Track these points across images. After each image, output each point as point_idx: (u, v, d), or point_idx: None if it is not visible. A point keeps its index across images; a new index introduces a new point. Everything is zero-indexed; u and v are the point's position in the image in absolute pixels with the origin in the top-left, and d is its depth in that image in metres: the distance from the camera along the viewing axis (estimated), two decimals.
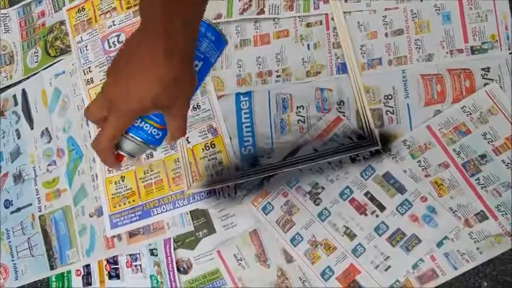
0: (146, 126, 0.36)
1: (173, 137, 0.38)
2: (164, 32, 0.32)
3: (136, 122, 0.36)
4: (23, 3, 0.86)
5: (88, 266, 0.74)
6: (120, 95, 0.34)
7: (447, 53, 0.58)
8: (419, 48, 0.59)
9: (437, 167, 0.57)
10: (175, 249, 0.68)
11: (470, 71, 0.57)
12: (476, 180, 0.55)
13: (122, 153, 0.37)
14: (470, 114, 0.56)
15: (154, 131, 0.36)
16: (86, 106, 0.36)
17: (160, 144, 0.38)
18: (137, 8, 0.75)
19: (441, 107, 0.58)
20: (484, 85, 0.56)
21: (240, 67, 0.67)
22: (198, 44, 0.38)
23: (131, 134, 0.36)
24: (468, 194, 0.55)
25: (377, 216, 0.58)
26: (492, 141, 0.55)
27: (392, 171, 0.58)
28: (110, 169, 0.71)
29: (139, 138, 0.36)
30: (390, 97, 0.60)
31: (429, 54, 0.59)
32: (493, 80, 0.55)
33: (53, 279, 0.76)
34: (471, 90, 0.56)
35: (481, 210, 0.55)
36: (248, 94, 0.66)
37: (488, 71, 0.56)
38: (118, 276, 0.72)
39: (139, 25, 0.34)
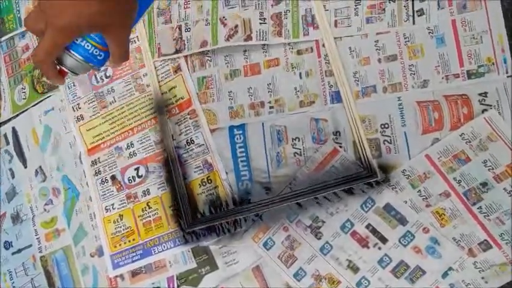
0: (88, 46, 0.37)
1: (115, 60, 0.38)
2: None
3: (77, 40, 0.36)
4: (6, 37, 0.83)
5: None
6: (55, 9, 0.33)
7: (443, 78, 0.55)
8: (414, 74, 0.57)
9: (438, 196, 0.55)
10: (178, 286, 0.67)
11: (468, 96, 0.54)
12: (478, 208, 0.54)
13: (63, 68, 0.38)
14: (469, 141, 0.54)
15: (96, 52, 0.37)
16: (27, 14, 0.37)
17: (103, 64, 0.39)
18: None
19: (439, 134, 0.55)
20: (482, 111, 0.53)
21: (232, 99, 0.65)
22: None
23: (72, 51, 0.37)
24: (471, 223, 0.54)
25: (379, 248, 0.57)
26: (493, 169, 0.53)
27: (392, 203, 0.56)
28: (120, 195, 0.69)
29: (79, 56, 0.37)
30: (386, 126, 0.57)
31: (425, 80, 0.56)
32: (491, 105, 0.53)
33: None
34: (469, 117, 0.54)
35: (485, 239, 0.54)
36: (242, 127, 0.64)
37: (486, 96, 0.54)
38: None
39: None
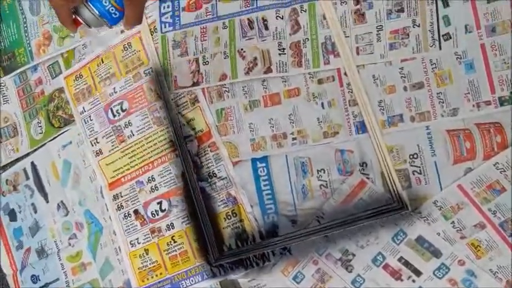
0: (106, 2, 0.39)
1: (128, 21, 0.40)
2: None
3: None
4: (18, 71, 0.80)
5: None
6: None
7: (473, 106, 0.52)
8: (443, 103, 0.54)
9: (473, 227, 0.53)
10: None
11: (500, 124, 0.51)
12: None
13: (79, 18, 0.40)
14: (504, 171, 0.51)
15: (112, 9, 0.39)
16: None
17: (116, 24, 0.41)
18: (135, 71, 0.69)
19: (472, 164, 0.53)
20: None
21: (253, 130, 0.62)
22: None
23: (90, 4, 0.39)
24: (507, 254, 0.51)
25: (413, 281, 0.54)
26: None
27: (424, 235, 0.54)
28: (144, 230, 0.67)
29: (95, 10, 0.39)
30: (415, 156, 0.55)
31: (454, 109, 0.53)
32: None
33: None
34: (503, 146, 0.51)
35: None
36: (264, 159, 0.61)
37: None
38: None
39: None
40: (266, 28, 0.61)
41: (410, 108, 0.55)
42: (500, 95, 0.52)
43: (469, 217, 0.52)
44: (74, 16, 0.40)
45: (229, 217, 0.64)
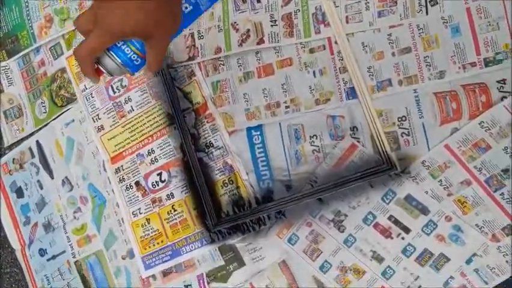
0: (128, 50, 0.37)
1: (150, 67, 0.39)
2: None
3: (119, 43, 0.37)
4: (22, 53, 0.81)
5: None
6: (105, 13, 0.34)
7: (459, 68, 0.53)
8: (430, 66, 0.54)
9: (459, 185, 0.53)
10: (208, 283, 0.67)
11: (486, 84, 0.52)
12: (500, 195, 0.52)
13: (101, 68, 0.39)
14: (489, 129, 0.52)
15: (134, 57, 0.38)
16: (77, 16, 0.38)
17: (137, 71, 0.40)
18: None
19: (458, 124, 0.53)
20: (502, 99, 0.51)
21: (247, 101, 0.63)
22: None
23: (112, 53, 0.38)
24: (493, 209, 0.52)
25: (402, 238, 0.56)
26: None
27: (413, 193, 0.55)
28: (145, 200, 0.69)
29: (118, 59, 0.38)
30: (404, 119, 0.55)
31: (441, 71, 0.54)
32: (510, 92, 0.51)
33: None
34: (488, 105, 0.52)
35: (508, 224, 0.52)
36: (259, 128, 0.62)
37: (504, 83, 0.51)
38: None
39: None
40: (258, 1, 0.62)
41: (398, 73, 0.55)
42: (485, 56, 0.52)
43: (455, 175, 0.53)
44: (96, 66, 0.39)
45: (225, 185, 0.65)
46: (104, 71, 0.39)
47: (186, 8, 0.39)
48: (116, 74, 0.39)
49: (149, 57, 0.37)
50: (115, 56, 0.37)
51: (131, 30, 0.34)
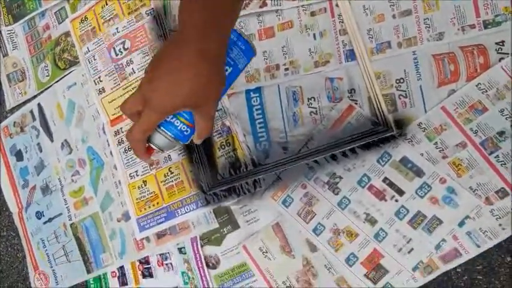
0: (177, 123, 0.39)
1: (200, 135, 0.40)
2: (199, 36, 0.35)
3: (168, 118, 0.38)
4: (27, 17, 0.85)
5: (122, 267, 0.77)
6: (154, 92, 0.36)
7: (458, 29, 0.55)
8: (429, 28, 0.56)
9: (455, 147, 0.56)
10: (202, 246, 0.70)
11: (484, 46, 0.54)
12: (495, 157, 0.54)
13: (153, 146, 0.40)
14: (486, 91, 0.54)
15: (184, 128, 0.39)
16: (123, 100, 0.39)
17: (188, 141, 0.41)
18: (137, 12, 0.74)
19: (455, 86, 0.55)
20: (499, 60, 0.53)
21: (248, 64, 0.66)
22: (228, 51, 0.41)
23: (163, 129, 0.39)
24: (487, 172, 0.54)
25: (396, 201, 0.58)
26: (510, 117, 0.53)
27: (408, 156, 0.57)
28: (142, 162, 0.71)
29: (169, 134, 0.39)
30: (402, 81, 0.58)
31: (440, 33, 0.56)
32: (508, 54, 0.53)
33: (91, 281, 0.80)
34: (486, 67, 0.54)
35: (502, 187, 0.54)
36: (258, 90, 0.65)
37: (503, 45, 0.53)
38: (151, 275, 0.74)
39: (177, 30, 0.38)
40: None
41: (398, 35, 0.58)
42: (484, 19, 0.54)
43: (451, 137, 0.55)
44: (147, 144, 0.40)
45: (223, 147, 0.68)
46: (155, 148, 0.40)
47: (226, 70, 0.41)
48: (167, 149, 0.41)
49: (199, 125, 0.39)
50: (166, 131, 0.39)
51: (183, 103, 0.36)
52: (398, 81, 0.58)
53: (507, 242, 0.54)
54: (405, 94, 0.57)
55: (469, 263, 0.55)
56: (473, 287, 0.55)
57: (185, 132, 0.39)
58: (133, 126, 0.38)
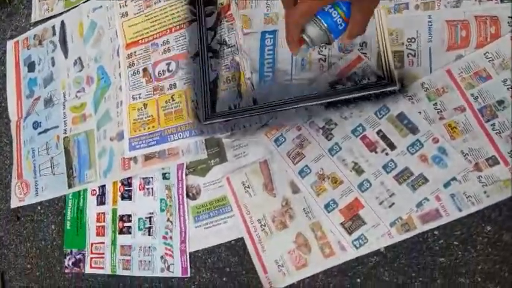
0: (334, 14, 0.41)
1: (352, 31, 0.42)
2: None
3: (326, 8, 0.41)
4: None
5: (103, 186, 0.82)
6: None
7: (476, 0, 0.61)
8: None
9: (453, 110, 0.60)
10: (186, 175, 0.74)
11: (497, 17, 0.59)
12: (491, 125, 0.58)
13: (304, 37, 0.44)
14: (492, 60, 0.59)
15: (339, 21, 0.41)
16: None
17: (338, 37, 0.43)
18: None
19: (463, 52, 0.60)
20: (510, 31, 0.58)
21: (268, 7, 0.72)
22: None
23: (319, 17, 0.42)
24: (481, 138, 0.58)
25: (386, 154, 0.61)
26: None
27: (406, 112, 0.61)
28: (148, 86, 0.77)
29: (324, 23, 0.42)
30: (413, 40, 0.63)
31: (458, 1, 0.62)
32: None
33: (70, 196, 0.84)
34: (496, 37, 0.59)
35: (493, 155, 0.57)
36: (273, 32, 0.71)
37: None
38: (130, 198, 0.79)
39: None
40: None
41: None
42: None
43: (451, 100, 0.59)
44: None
45: (228, 81, 0.73)
46: (306, 39, 0.44)
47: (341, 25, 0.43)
48: (316, 42, 0.44)
49: (354, 19, 0.40)
50: (321, 20, 0.41)
51: None
52: (409, 40, 0.63)
53: (489, 210, 0.56)
54: (414, 53, 0.62)
55: (448, 227, 0.58)
56: (448, 252, 0.57)
57: (339, 26, 0.41)
58: (292, 9, 0.40)
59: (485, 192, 0.57)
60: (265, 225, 0.66)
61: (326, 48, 0.68)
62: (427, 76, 0.61)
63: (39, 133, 0.90)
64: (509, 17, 0.59)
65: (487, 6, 0.60)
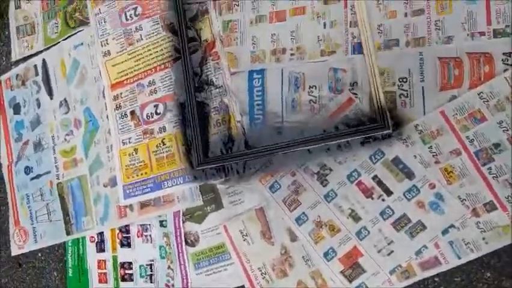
0: None
1: None
2: None
3: None
4: None
5: (101, 233, 0.83)
6: None
7: (468, 35, 0.59)
8: (439, 30, 0.60)
9: (449, 154, 0.59)
10: (183, 222, 0.75)
11: (491, 55, 0.58)
12: (488, 169, 0.58)
13: None
14: (487, 101, 0.58)
15: None
16: None
17: None
18: None
19: (457, 92, 0.59)
20: (504, 71, 0.57)
21: (255, 44, 0.71)
22: None
23: None
24: (478, 183, 0.58)
25: (383, 200, 0.62)
26: (508, 130, 0.57)
27: (401, 156, 0.61)
28: (137, 130, 0.77)
29: None
30: (405, 80, 0.62)
31: (449, 37, 0.60)
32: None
33: (69, 243, 0.85)
34: (490, 76, 0.58)
35: (490, 200, 0.57)
36: (261, 72, 0.70)
37: (510, 56, 0.57)
38: (129, 245, 0.80)
39: None
40: None
41: (407, 34, 0.62)
42: (495, 27, 0.58)
43: (446, 143, 0.59)
44: None
45: (218, 124, 0.73)
46: None
47: None
48: None
49: None
50: None
51: None
52: (401, 80, 0.62)
53: (488, 257, 0.57)
54: (407, 94, 0.61)
55: (448, 273, 0.59)
56: None
57: None
58: None
59: (483, 238, 0.57)
60: (265, 274, 0.67)
61: (316, 89, 0.67)
62: (421, 118, 0.61)
63: (32, 178, 0.90)
64: (503, 53, 0.57)
65: (480, 42, 0.58)
